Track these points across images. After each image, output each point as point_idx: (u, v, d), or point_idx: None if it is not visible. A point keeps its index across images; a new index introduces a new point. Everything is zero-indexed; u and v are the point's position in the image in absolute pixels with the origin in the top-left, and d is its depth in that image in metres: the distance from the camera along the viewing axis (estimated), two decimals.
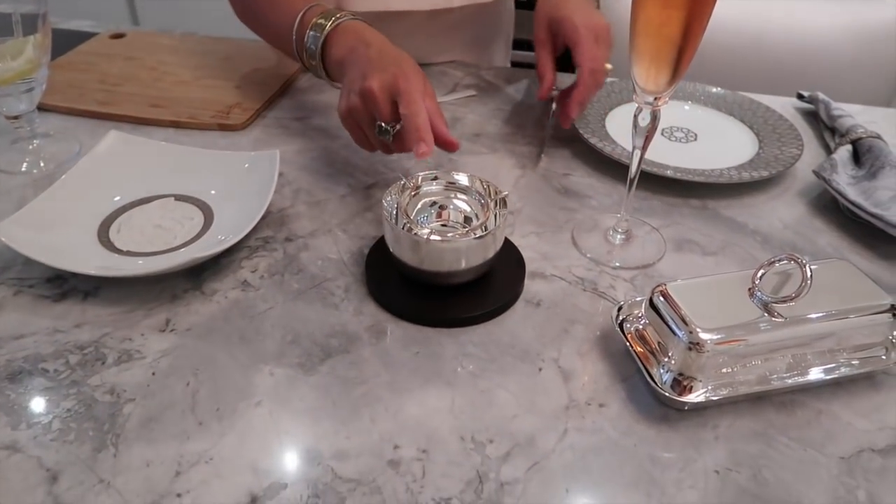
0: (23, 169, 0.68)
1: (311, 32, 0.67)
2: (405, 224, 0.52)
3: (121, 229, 0.59)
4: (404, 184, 0.56)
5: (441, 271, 0.53)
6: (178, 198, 0.63)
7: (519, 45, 1.16)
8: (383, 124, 0.60)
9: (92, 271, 0.52)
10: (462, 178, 0.57)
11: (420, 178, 0.57)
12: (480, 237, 0.51)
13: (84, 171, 0.62)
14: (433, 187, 0.57)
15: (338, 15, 0.68)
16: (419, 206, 0.56)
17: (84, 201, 0.60)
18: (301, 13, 0.69)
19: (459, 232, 0.54)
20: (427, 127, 0.57)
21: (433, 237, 0.51)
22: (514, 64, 1.12)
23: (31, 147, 0.70)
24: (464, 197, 0.57)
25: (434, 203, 0.57)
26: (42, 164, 0.68)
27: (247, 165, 0.64)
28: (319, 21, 0.67)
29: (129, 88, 0.82)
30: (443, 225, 0.56)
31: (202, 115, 0.76)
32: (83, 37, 0.94)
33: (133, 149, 0.65)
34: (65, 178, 0.61)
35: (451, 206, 0.57)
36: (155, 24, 2.15)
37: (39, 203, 0.58)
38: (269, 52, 0.91)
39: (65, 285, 0.54)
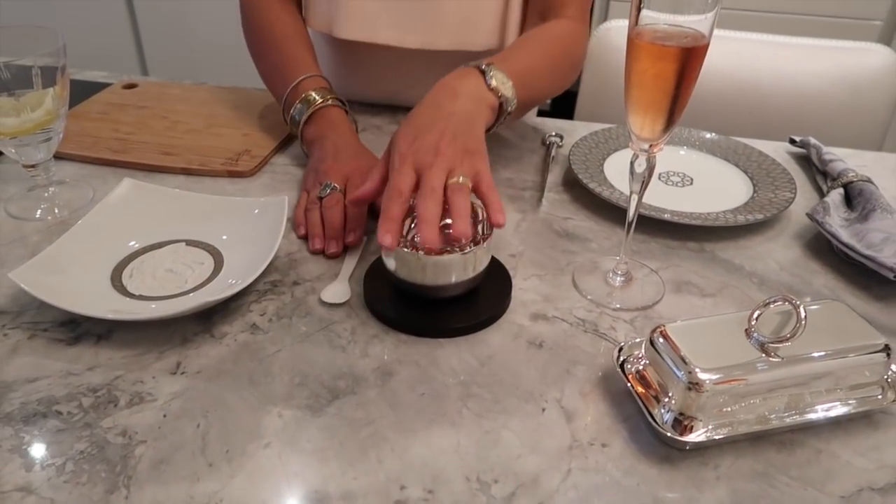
0: (37, 216, 0.70)
1: (299, 105, 0.79)
2: (400, 242, 0.56)
3: (133, 274, 0.61)
4: None
5: (429, 284, 0.56)
6: (189, 243, 0.64)
7: None
8: (329, 182, 0.69)
9: (105, 315, 0.54)
10: None
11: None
12: (466, 253, 0.55)
13: (98, 218, 0.64)
14: None
15: (323, 98, 0.79)
16: (412, 225, 0.59)
17: (97, 247, 0.62)
18: (296, 82, 0.79)
19: (448, 249, 0.57)
20: (362, 218, 0.68)
21: (422, 253, 0.55)
22: None
23: (46, 194, 0.72)
24: None
25: None
26: (57, 211, 0.70)
27: (256, 211, 0.66)
28: (308, 97, 0.78)
29: (141, 137, 0.84)
30: None
31: (212, 163, 0.79)
32: (97, 87, 0.98)
33: (145, 195, 0.68)
34: (79, 225, 0.62)
35: (444, 227, 0.59)
36: (164, 74, 2.20)
37: (54, 249, 0.59)
38: (277, 102, 0.94)
39: (78, 329, 0.56)
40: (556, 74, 0.82)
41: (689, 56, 0.51)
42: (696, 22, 0.50)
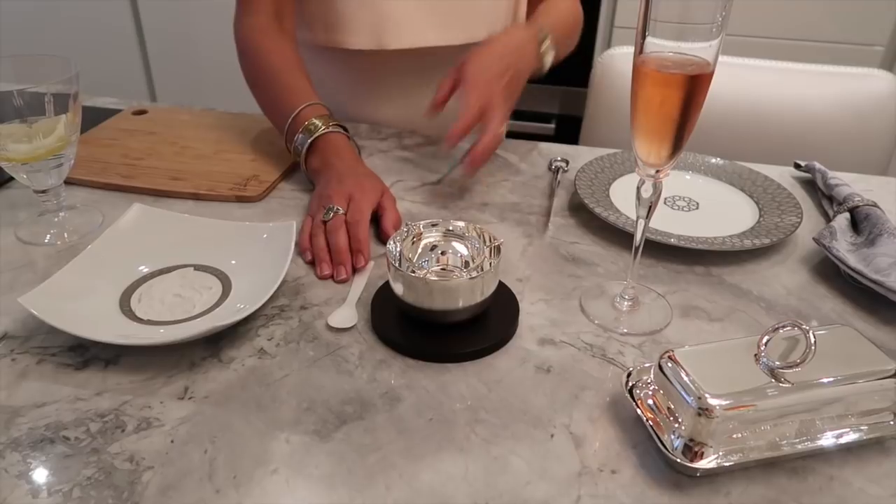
0: (47, 240, 0.70)
1: (301, 135, 0.80)
2: (407, 267, 0.58)
3: (142, 298, 0.61)
4: (408, 231, 0.61)
5: (436, 309, 0.57)
6: (198, 268, 0.65)
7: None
8: (332, 205, 0.70)
9: (113, 340, 0.54)
10: (460, 226, 0.62)
11: (421, 225, 0.62)
12: (474, 278, 0.56)
13: (107, 243, 0.64)
14: (433, 234, 0.62)
15: (325, 124, 0.80)
16: (420, 250, 0.62)
17: (106, 272, 0.62)
18: (297, 111, 0.81)
19: (456, 274, 0.59)
20: (366, 240, 0.68)
21: (430, 277, 0.56)
22: (508, 134, 1.17)
23: (56, 219, 0.72)
24: (461, 243, 0.62)
25: (434, 248, 0.62)
26: (66, 236, 0.71)
27: (265, 236, 0.66)
28: (310, 126, 0.79)
29: (150, 162, 0.85)
30: (442, 268, 0.62)
31: (220, 188, 0.79)
32: (107, 113, 0.99)
33: (154, 220, 0.68)
34: (88, 250, 0.63)
35: (451, 251, 0.62)
36: (172, 99, 2.23)
37: (63, 274, 0.60)
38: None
39: (86, 354, 0.56)
40: (569, 41, 0.99)
41: (695, 83, 0.52)
42: (700, 50, 0.51)
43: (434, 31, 0.93)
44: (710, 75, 0.52)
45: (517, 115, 1.21)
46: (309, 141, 0.79)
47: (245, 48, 0.90)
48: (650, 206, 0.58)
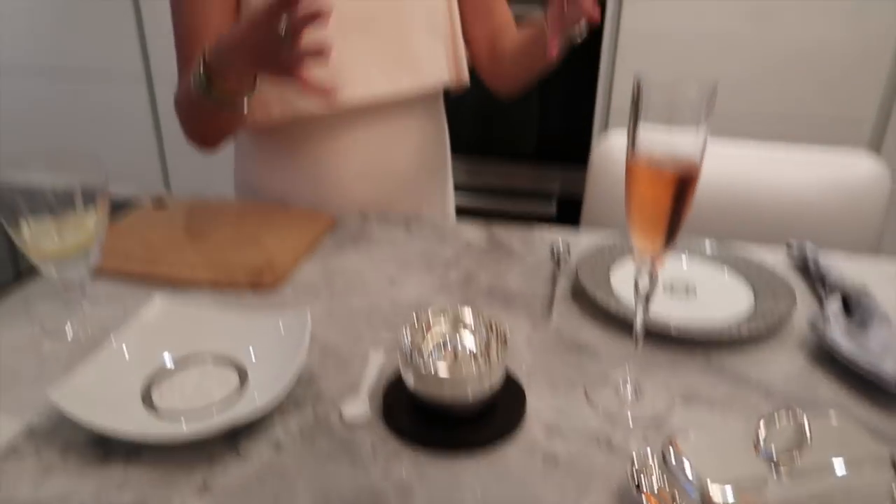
0: (71, 333, 0.73)
1: (203, 79, 0.83)
2: (418, 360, 0.60)
3: (162, 391, 0.63)
4: (417, 320, 0.63)
5: (447, 401, 0.59)
6: (217, 360, 0.67)
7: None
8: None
9: (135, 438, 0.56)
10: (468, 315, 0.64)
11: (430, 314, 0.64)
12: (481, 370, 0.58)
13: (128, 335, 0.67)
14: (441, 322, 0.64)
15: (200, 62, 0.82)
16: (429, 342, 0.63)
17: (128, 363, 0.65)
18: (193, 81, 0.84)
19: (464, 365, 0.61)
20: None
21: (440, 370, 0.58)
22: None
23: (79, 312, 0.75)
24: (469, 332, 0.64)
25: (443, 339, 0.64)
26: (89, 329, 0.74)
27: (280, 324, 0.69)
28: (199, 73, 0.83)
29: (170, 253, 0.88)
30: (452, 360, 0.63)
31: (237, 277, 0.83)
32: (126, 204, 1.03)
33: (175, 313, 0.71)
34: (111, 342, 0.66)
35: (459, 342, 0.63)
36: (186, 184, 2.29)
37: (86, 366, 0.62)
38: (298, 218, 0.99)
39: (108, 445, 0.58)
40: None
41: (684, 179, 0.56)
42: (688, 144, 0.55)
43: (385, 77, 0.98)
44: (698, 171, 0.56)
45: (518, 194, 1.25)
46: (202, 72, 0.82)
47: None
48: (647, 295, 0.61)
